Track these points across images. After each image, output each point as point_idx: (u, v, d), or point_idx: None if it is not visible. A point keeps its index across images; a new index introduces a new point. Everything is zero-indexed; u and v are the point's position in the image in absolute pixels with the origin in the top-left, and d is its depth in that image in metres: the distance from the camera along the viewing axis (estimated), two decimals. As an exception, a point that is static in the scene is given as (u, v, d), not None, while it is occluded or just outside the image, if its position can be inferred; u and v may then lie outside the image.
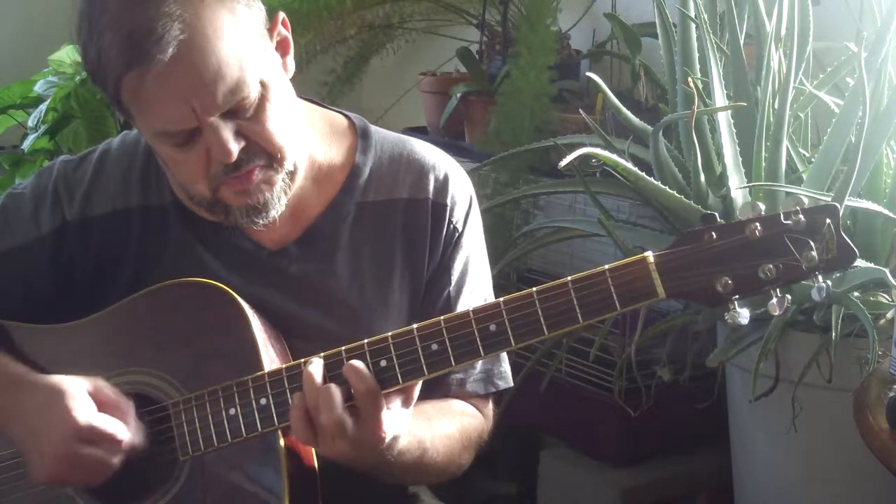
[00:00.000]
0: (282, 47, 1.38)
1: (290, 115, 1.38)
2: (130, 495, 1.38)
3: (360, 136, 1.51)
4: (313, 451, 1.38)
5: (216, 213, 1.39)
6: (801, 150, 2.14)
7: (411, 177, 1.50)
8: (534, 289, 1.28)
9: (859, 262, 1.93)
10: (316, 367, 1.28)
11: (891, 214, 1.97)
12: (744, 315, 1.24)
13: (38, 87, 2.94)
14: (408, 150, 1.52)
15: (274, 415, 1.33)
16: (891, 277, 1.88)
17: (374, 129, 1.53)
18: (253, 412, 1.33)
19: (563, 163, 1.84)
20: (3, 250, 1.47)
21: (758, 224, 1.22)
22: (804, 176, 2.06)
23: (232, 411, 1.34)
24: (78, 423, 1.30)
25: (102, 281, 1.47)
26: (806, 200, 1.23)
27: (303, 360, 1.32)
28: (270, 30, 1.36)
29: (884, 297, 1.99)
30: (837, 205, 1.23)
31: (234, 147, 1.31)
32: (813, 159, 2.08)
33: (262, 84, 1.32)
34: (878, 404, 1.51)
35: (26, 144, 2.91)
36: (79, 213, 1.46)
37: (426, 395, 1.39)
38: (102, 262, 1.47)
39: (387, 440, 1.28)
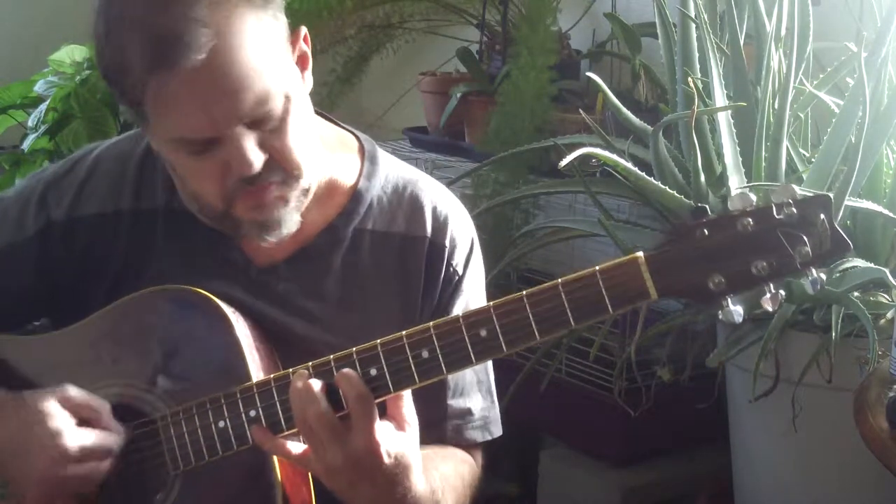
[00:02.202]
0: (301, 62, 1.35)
1: (310, 131, 1.34)
2: None
3: (368, 161, 1.47)
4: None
5: (226, 226, 1.36)
6: (801, 150, 2.14)
7: (410, 213, 1.46)
8: (523, 292, 1.25)
9: (859, 262, 1.93)
10: (301, 377, 1.26)
11: (891, 214, 1.97)
12: (737, 312, 1.21)
13: (38, 87, 2.94)
14: (412, 185, 1.48)
15: (264, 426, 1.30)
16: (891, 277, 1.88)
17: (382, 155, 1.49)
18: (243, 424, 1.30)
19: (563, 163, 1.84)
20: None
21: (749, 219, 1.19)
22: (804, 176, 2.06)
23: (221, 424, 1.31)
24: (66, 447, 1.29)
25: (88, 284, 1.44)
26: (798, 191, 1.20)
27: (291, 369, 1.30)
28: (293, 43, 1.33)
29: (884, 297, 1.99)
30: (829, 195, 1.20)
31: (256, 159, 1.27)
32: (813, 159, 2.08)
33: (286, 97, 1.28)
34: (878, 404, 1.51)
35: (26, 144, 2.91)
36: (66, 213, 1.44)
37: (421, 440, 1.33)
38: (88, 263, 1.44)
39: (386, 460, 1.24)
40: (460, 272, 1.47)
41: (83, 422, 1.33)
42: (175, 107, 1.24)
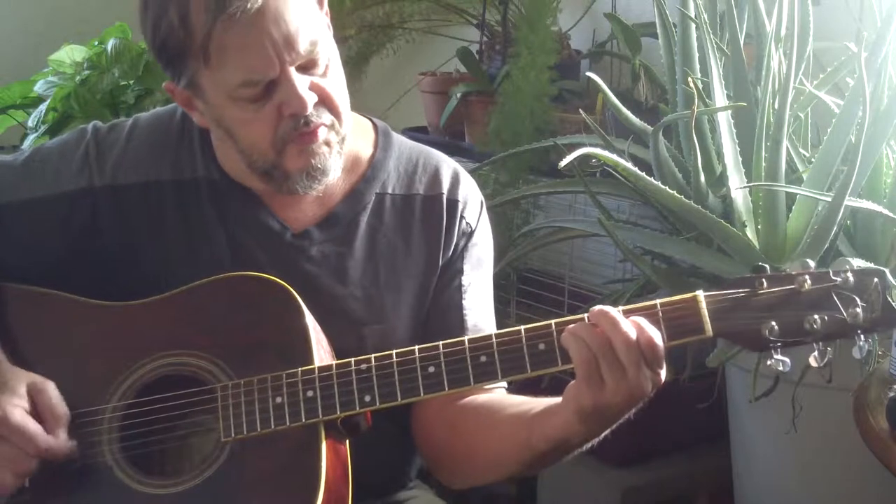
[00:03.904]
0: (328, 28, 1.47)
1: (346, 87, 1.46)
2: (169, 469, 1.42)
3: (382, 135, 1.59)
4: (348, 448, 1.41)
5: (273, 180, 1.45)
6: (801, 150, 2.14)
7: (427, 176, 1.58)
8: (584, 315, 1.31)
9: (859, 262, 1.93)
10: (607, 307, 1.30)
11: (891, 214, 1.96)
12: (786, 363, 1.29)
13: (38, 87, 2.94)
14: (425, 154, 1.61)
15: (319, 407, 1.36)
16: (891, 277, 1.88)
17: (393, 132, 1.61)
18: (299, 402, 1.37)
19: (563, 163, 1.84)
20: (21, 201, 1.50)
21: (808, 277, 1.28)
22: (804, 176, 2.06)
23: (279, 400, 1.37)
24: None
25: (131, 249, 1.50)
26: (856, 264, 1.30)
27: (353, 359, 1.37)
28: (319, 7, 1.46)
29: (884, 298, 1.99)
30: (885, 270, 1.29)
31: (310, 98, 1.39)
32: (813, 159, 2.07)
33: (328, 47, 1.42)
34: (878, 404, 1.51)
35: (26, 144, 2.92)
36: (111, 179, 1.50)
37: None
38: (134, 230, 1.50)
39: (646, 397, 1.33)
40: (473, 226, 1.58)
41: (37, 416, 1.38)
42: (239, 49, 1.35)
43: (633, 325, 1.28)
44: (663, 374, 1.31)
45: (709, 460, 2.52)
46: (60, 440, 1.38)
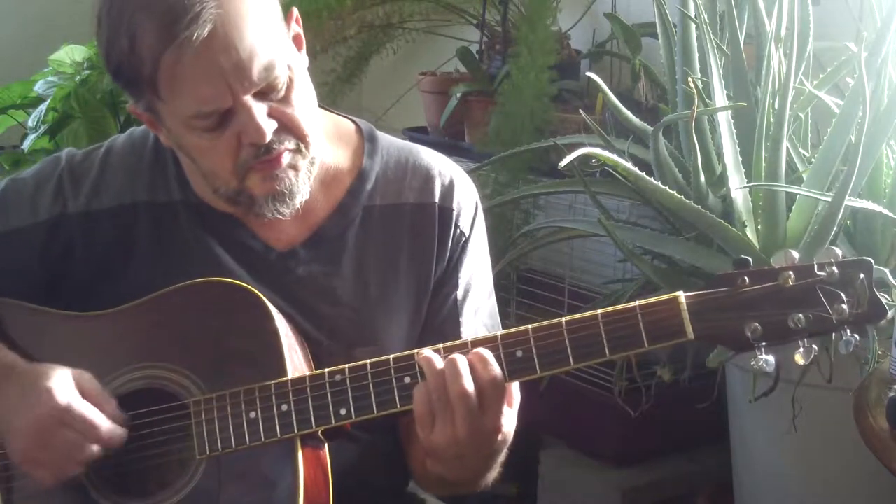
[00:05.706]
0: (296, 42, 1.40)
1: (313, 105, 1.40)
2: (144, 490, 1.39)
3: (367, 141, 1.51)
4: (328, 459, 1.38)
5: (240, 205, 1.40)
6: (801, 150, 2.14)
7: (417, 182, 1.50)
8: (562, 319, 1.29)
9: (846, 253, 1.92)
10: (429, 352, 1.29)
11: (891, 214, 1.97)
12: (770, 362, 1.25)
13: (38, 87, 2.94)
14: (414, 156, 1.52)
15: (294, 421, 1.33)
16: (891, 277, 1.88)
17: (380, 134, 1.54)
18: (273, 417, 1.33)
19: (563, 163, 1.84)
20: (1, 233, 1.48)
21: (791, 273, 1.23)
22: (804, 176, 2.06)
23: (252, 415, 1.34)
24: (57, 402, 1.31)
25: (105, 274, 1.47)
26: (840, 254, 1.24)
27: (326, 370, 1.33)
28: (286, 23, 1.38)
29: (884, 297, 1.99)
30: (870, 260, 1.24)
31: (268, 127, 1.32)
32: (813, 159, 2.07)
33: (289, 67, 1.34)
34: (878, 404, 1.51)
35: (26, 144, 2.91)
36: (84, 205, 1.47)
37: None
38: (107, 255, 1.47)
39: (500, 438, 1.29)
40: (467, 234, 1.51)
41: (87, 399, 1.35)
42: (189, 80, 1.29)
43: (472, 371, 1.26)
44: (510, 413, 1.30)
45: (709, 460, 2.52)
46: (119, 428, 1.35)
